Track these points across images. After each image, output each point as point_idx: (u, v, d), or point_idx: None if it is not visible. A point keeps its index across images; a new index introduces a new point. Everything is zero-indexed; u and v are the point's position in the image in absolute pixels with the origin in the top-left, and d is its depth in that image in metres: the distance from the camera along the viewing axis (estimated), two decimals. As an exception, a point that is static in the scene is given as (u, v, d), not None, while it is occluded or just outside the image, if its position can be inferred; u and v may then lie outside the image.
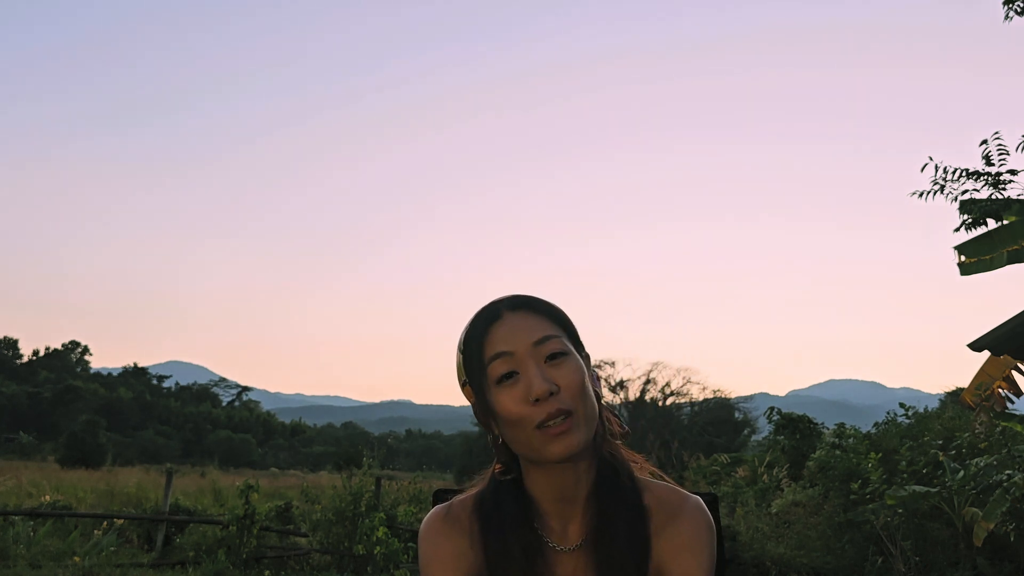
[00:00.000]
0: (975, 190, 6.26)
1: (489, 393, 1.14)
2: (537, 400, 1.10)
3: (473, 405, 1.19)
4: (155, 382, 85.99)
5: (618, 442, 1.25)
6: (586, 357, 1.20)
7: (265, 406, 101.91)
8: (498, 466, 1.22)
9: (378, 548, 8.98)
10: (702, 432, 29.86)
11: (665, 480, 1.24)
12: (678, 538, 1.15)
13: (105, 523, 11.58)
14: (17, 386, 68.61)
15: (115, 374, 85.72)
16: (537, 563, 1.16)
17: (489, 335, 1.15)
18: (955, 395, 13.82)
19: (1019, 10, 6.30)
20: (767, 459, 12.98)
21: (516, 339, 1.14)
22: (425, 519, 1.24)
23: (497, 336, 1.15)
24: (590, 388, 1.15)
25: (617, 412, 1.30)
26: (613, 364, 30.62)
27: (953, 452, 8.51)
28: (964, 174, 6.25)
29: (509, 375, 1.12)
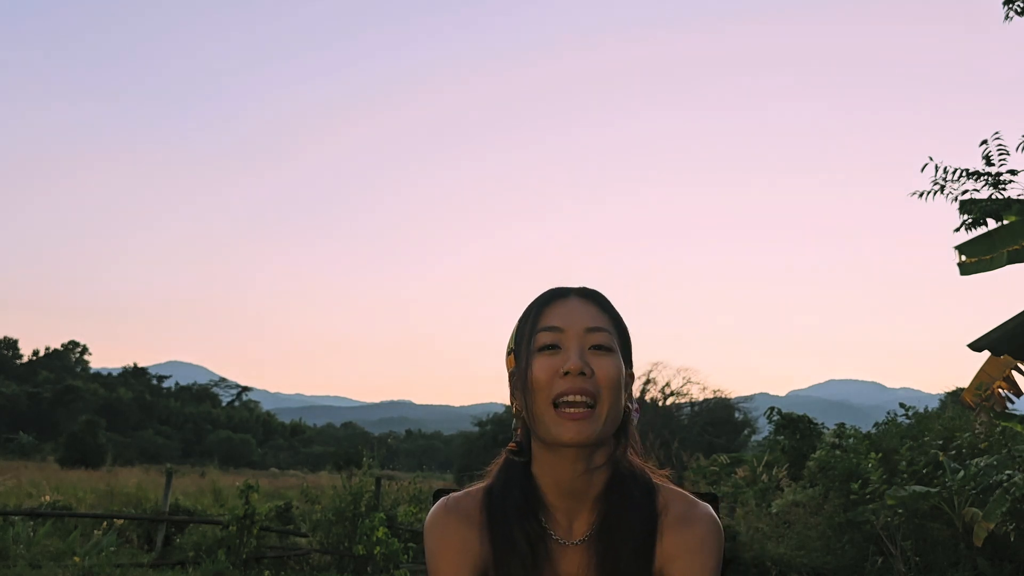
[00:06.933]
0: (975, 190, 6.27)
1: (529, 359, 1.17)
2: (567, 374, 1.14)
3: (510, 375, 1.22)
4: (155, 382, 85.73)
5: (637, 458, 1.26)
6: (630, 375, 1.23)
7: (265, 406, 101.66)
8: (512, 445, 1.24)
9: (378, 548, 8.97)
10: (702, 432, 29.84)
11: (681, 490, 1.25)
12: (686, 541, 1.16)
13: (105, 523, 11.59)
14: (17, 386, 68.49)
15: (115, 374, 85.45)
16: (540, 555, 1.17)
17: (549, 309, 1.21)
18: (955, 395, 13.82)
19: (1019, 10, 6.30)
20: (766, 459, 12.98)
21: (571, 319, 1.19)
22: (432, 510, 1.25)
23: (555, 311, 1.21)
24: (622, 390, 1.18)
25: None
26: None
27: (953, 452, 8.52)
28: (964, 174, 6.26)
29: (552, 347, 1.17)
